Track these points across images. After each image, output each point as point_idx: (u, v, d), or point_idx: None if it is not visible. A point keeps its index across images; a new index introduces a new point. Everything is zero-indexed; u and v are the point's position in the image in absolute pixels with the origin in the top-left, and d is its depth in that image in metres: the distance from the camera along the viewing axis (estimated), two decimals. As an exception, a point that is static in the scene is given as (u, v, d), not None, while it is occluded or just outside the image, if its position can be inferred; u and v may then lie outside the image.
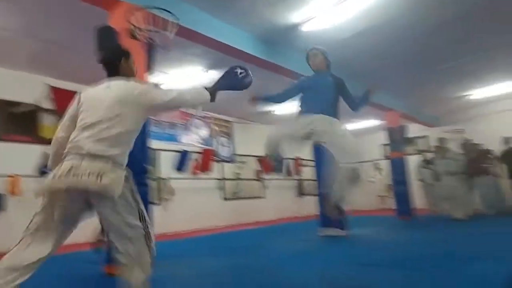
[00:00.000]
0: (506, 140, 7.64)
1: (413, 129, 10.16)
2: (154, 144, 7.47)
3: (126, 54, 2.08)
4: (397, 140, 8.28)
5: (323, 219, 5.68)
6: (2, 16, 4.37)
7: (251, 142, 9.96)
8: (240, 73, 2.10)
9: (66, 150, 1.80)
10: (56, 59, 5.61)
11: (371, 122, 10.86)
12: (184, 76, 6.44)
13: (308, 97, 3.19)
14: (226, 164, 9.28)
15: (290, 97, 3.34)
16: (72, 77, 6.12)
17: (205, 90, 2.01)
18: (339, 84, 3.22)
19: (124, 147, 1.85)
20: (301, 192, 11.11)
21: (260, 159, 10.09)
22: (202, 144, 8.79)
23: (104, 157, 1.73)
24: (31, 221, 1.76)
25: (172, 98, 1.90)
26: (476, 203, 7.54)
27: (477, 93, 8.78)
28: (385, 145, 9.77)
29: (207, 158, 8.63)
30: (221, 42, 4.64)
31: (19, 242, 1.72)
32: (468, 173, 7.24)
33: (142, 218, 1.82)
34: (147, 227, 1.84)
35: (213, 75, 6.48)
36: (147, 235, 1.82)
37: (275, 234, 6.46)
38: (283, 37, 5.29)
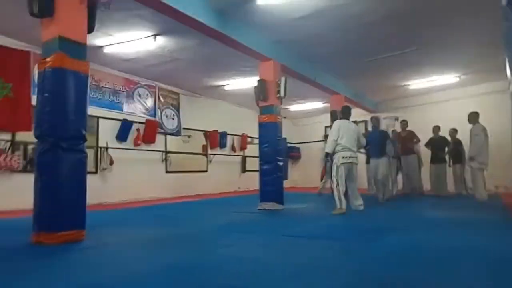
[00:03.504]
0: (436, 129, 8.30)
1: (356, 114, 10.60)
2: (93, 110, 7.04)
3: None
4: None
5: (262, 194, 5.87)
6: None
7: (198, 116, 9.77)
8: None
9: (341, 147, 5.17)
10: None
11: (317, 104, 11.17)
12: (130, 39, 6.04)
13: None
14: (170, 136, 9.02)
15: None
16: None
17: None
18: None
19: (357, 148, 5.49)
20: (244, 168, 11.23)
21: (207, 134, 10.00)
22: (146, 114, 8.42)
23: (355, 151, 5.35)
24: (339, 173, 5.12)
25: (363, 141, 5.65)
26: (400, 185, 8.40)
27: (415, 84, 9.40)
28: (329, 126, 10.10)
29: (150, 130, 8.34)
30: (170, 5, 4.34)
31: (340, 183, 5.13)
32: (397, 152, 7.75)
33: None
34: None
35: (162, 42, 6.18)
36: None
37: (214, 207, 6.50)
38: (237, 8, 5.12)
